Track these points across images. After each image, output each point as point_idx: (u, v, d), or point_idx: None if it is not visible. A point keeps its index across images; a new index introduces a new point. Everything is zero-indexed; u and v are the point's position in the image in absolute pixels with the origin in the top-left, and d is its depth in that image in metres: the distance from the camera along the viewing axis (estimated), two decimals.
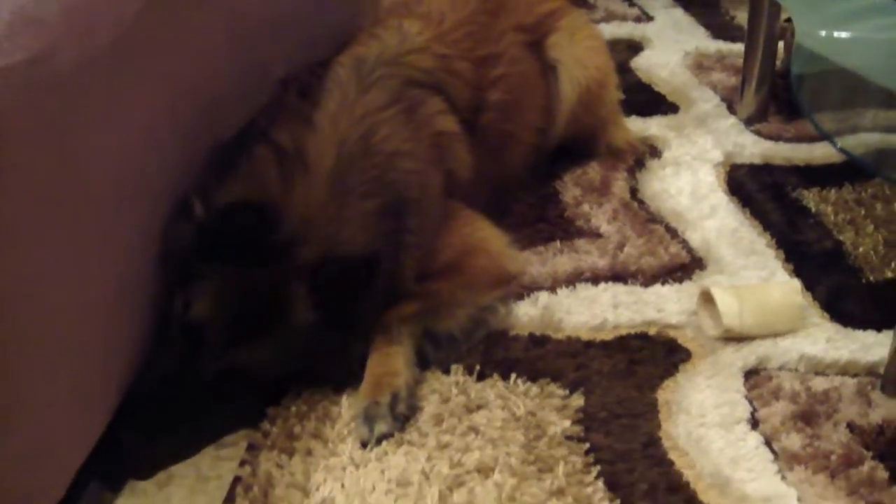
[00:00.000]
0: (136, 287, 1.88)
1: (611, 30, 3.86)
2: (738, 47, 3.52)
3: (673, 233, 2.63)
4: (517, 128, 2.67)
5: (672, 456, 1.94)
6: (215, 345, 1.93)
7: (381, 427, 1.97)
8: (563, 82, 2.78)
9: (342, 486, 1.87)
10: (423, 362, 2.13)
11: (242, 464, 1.94)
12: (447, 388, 2.09)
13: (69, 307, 1.62)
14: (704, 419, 2.02)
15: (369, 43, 2.41)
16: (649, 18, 4.12)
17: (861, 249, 2.52)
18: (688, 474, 1.89)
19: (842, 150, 2.34)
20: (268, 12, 2.34)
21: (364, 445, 1.95)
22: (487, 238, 2.38)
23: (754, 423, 2.01)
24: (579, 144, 2.91)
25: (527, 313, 2.31)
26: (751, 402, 2.06)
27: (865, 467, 1.89)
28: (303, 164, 2.06)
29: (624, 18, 4.11)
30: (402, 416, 2.00)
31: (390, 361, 2.07)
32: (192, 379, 1.92)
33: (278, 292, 1.96)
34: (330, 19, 2.74)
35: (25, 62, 1.40)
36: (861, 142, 2.52)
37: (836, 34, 2.72)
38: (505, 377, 2.12)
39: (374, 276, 2.00)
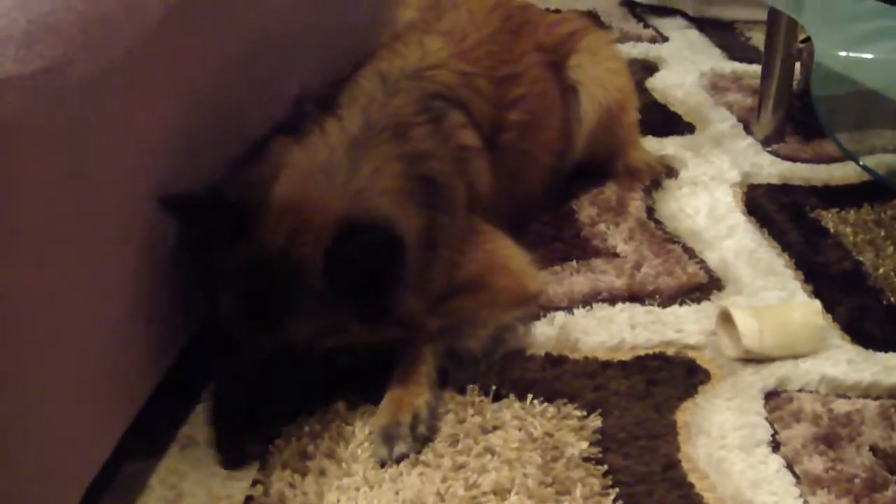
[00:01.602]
0: (150, 298, 1.85)
1: (626, 50, 3.82)
2: (754, 68, 3.55)
3: (690, 253, 2.60)
4: (536, 148, 2.65)
5: (692, 478, 1.90)
6: (246, 332, 1.92)
7: (401, 448, 1.94)
8: (583, 104, 2.76)
9: None
10: (443, 381, 2.10)
11: (254, 483, 1.91)
12: (463, 408, 2.06)
13: (81, 319, 1.60)
14: (725, 441, 1.98)
15: (391, 58, 2.40)
16: (664, 39, 4.11)
17: (881, 270, 2.49)
18: (708, 497, 1.86)
19: (866, 169, 2.32)
20: (285, 29, 2.33)
21: (382, 465, 1.93)
22: (510, 256, 2.36)
23: (775, 446, 1.97)
24: (597, 165, 2.89)
25: (543, 333, 2.29)
26: (771, 425, 2.02)
27: (889, 492, 1.86)
28: (323, 137, 2.06)
29: (639, 39, 4.10)
30: (423, 437, 1.97)
31: (412, 380, 2.05)
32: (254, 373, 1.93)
33: (288, 261, 1.92)
34: (347, 38, 2.74)
35: (41, 71, 1.38)
36: (881, 161, 2.51)
37: (855, 54, 2.71)
38: (521, 398, 2.09)
39: (398, 253, 1.94)
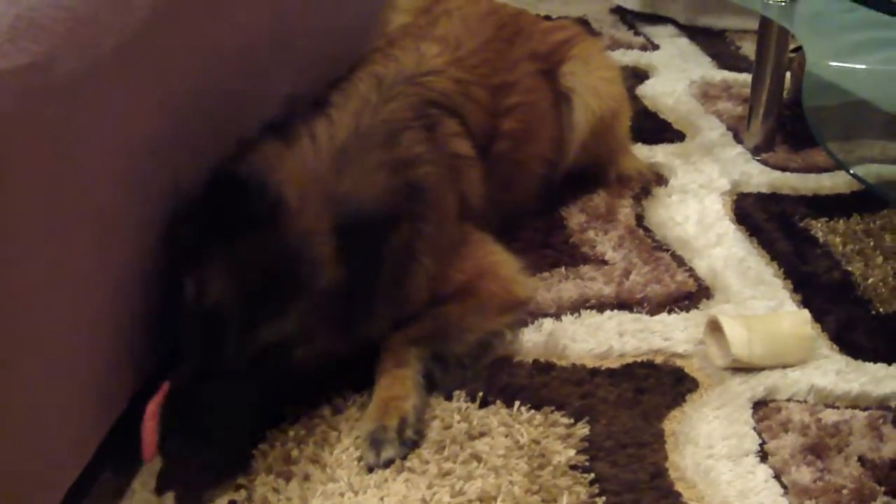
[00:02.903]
0: (138, 295, 1.83)
1: (616, 57, 3.82)
2: (744, 77, 3.56)
3: (679, 261, 2.59)
4: (529, 158, 2.63)
5: (679, 488, 1.89)
6: (239, 326, 1.87)
7: (389, 452, 1.92)
8: (576, 112, 2.74)
9: None
10: (430, 385, 2.09)
11: (238, 488, 1.89)
12: (449, 414, 2.04)
13: (67, 318, 1.58)
14: (712, 450, 1.97)
15: (386, 63, 2.39)
16: (655, 47, 4.11)
17: (870, 281, 2.48)
18: None
19: (857, 178, 2.32)
20: (276, 28, 2.32)
21: (370, 470, 1.91)
22: (499, 262, 2.35)
23: (763, 456, 1.96)
24: (588, 173, 2.87)
25: (531, 339, 2.27)
26: (759, 434, 2.01)
27: (878, 503, 1.84)
28: (310, 136, 2.06)
29: (629, 46, 4.09)
30: (410, 441, 1.96)
31: (398, 384, 2.03)
32: (225, 372, 1.86)
33: (300, 256, 1.91)
34: (338, 39, 2.72)
35: (27, 66, 1.37)
36: (871, 171, 2.50)
37: (846, 64, 2.72)
38: (508, 404, 2.07)
39: (391, 232, 1.95)
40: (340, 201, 1.97)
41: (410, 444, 1.95)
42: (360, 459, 1.94)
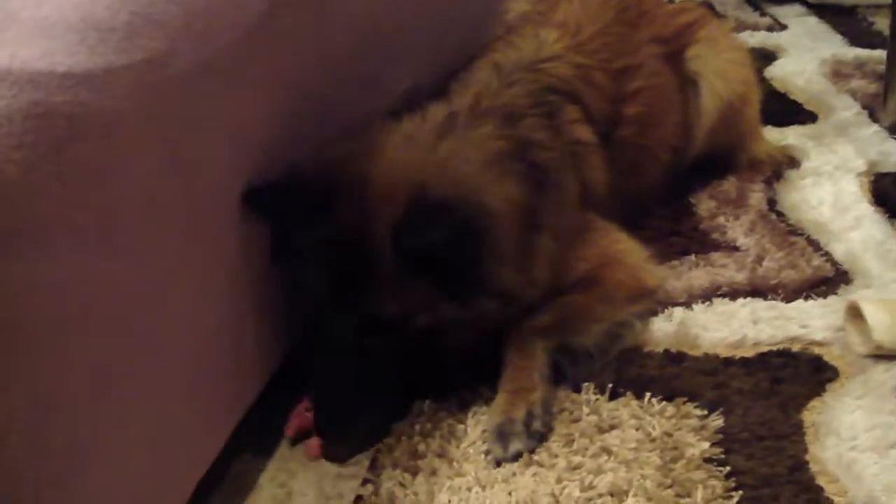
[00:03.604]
0: (256, 295, 1.83)
1: (743, 39, 3.73)
2: (878, 54, 3.44)
3: (815, 245, 2.50)
4: (654, 143, 2.57)
5: (820, 481, 1.81)
6: (334, 310, 1.91)
7: (517, 445, 1.89)
8: (703, 97, 2.67)
9: None
10: (557, 377, 2.05)
11: (365, 482, 1.88)
12: (578, 406, 2.00)
13: (188, 317, 1.59)
14: (856, 442, 1.88)
15: (506, 50, 2.38)
16: (782, 27, 4.01)
17: None
18: (839, 501, 1.76)
19: None
20: (393, 21, 2.30)
21: (498, 464, 1.88)
22: (625, 251, 2.29)
23: None
24: (717, 159, 2.80)
25: (661, 329, 2.22)
26: None
27: None
28: (421, 115, 2.05)
29: (756, 28, 4.01)
30: (538, 433, 1.92)
31: (524, 376, 2.00)
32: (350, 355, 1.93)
33: (363, 238, 1.89)
34: (457, 30, 2.71)
35: (143, 62, 1.37)
36: None
37: None
38: (639, 396, 2.02)
39: (480, 224, 1.88)
40: (438, 164, 1.95)
41: (538, 437, 1.92)
42: (487, 453, 1.91)
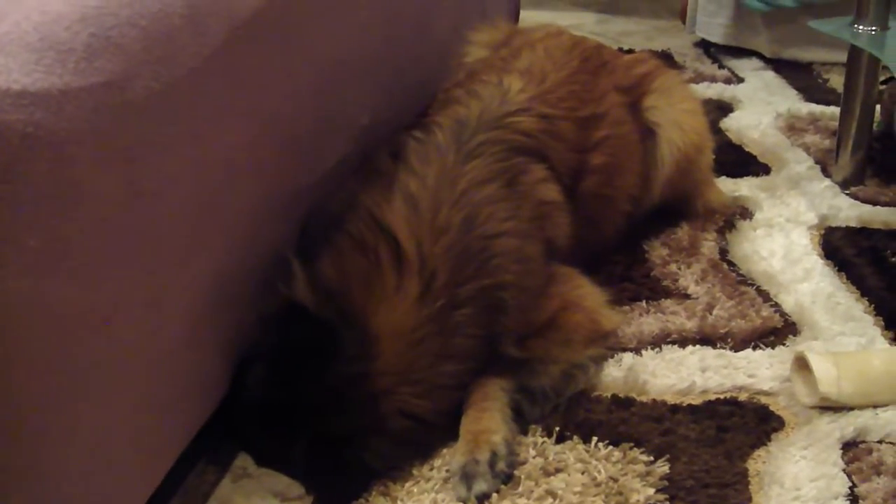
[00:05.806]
0: (208, 325, 1.81)
1: (700, 90, 3.76)
2: (832, 110, 3.47)
3: (765, 296, 2.51)
4: (616, 193, 2.56)
5: None
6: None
7: (481, 485, 1.88)
8: (661, 148, 2.66)
9: None
10: (518, 419, 2.04)
11: None
12: (524, 449, 1.99)
13: (137, 343, 1.56)
14: (799, 493, 1.89)
15: (469, 102, 2.32)
16: (739, 80, 4.03)
17: None
18: None
19: None
20: (355, 58, 2.30)
21: None
22: (584, 295, 2.29)
23: (853, 499, 1.87)
24: (671, 207, 2.80)
25: (610, 374, 2.21)
26: (849, 477, 1.92)
27: None
28: (397, 272, 1.98)
29: (713, 80, 4.02)
30: (503, 473, 1.91)
31: (486, 417, 1.99)
32: None
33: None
34: (416, 71, 2.70)
35: (101, 85, 1.35)
36: None
37: None
38: (586, 440, 2.01)
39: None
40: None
41: (503, 478, 1.91)
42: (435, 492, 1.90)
